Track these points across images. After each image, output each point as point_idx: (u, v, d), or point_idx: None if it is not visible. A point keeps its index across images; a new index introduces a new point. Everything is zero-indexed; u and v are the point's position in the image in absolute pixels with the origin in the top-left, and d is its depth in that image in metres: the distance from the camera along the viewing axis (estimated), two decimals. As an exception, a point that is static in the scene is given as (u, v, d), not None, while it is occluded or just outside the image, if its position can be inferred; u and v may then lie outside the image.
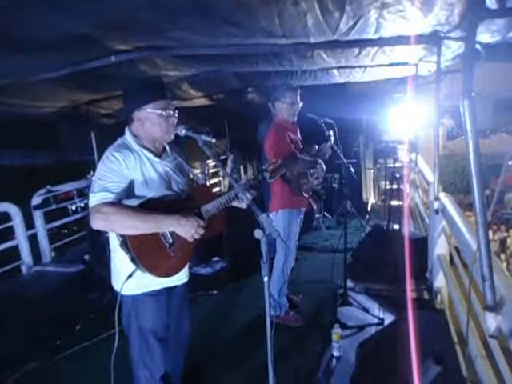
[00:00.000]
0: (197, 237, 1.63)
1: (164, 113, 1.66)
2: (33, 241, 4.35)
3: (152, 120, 1.66)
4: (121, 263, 1.64)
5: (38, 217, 4.33)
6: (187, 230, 1.59)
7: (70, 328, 3.06)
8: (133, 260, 1.54)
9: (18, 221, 4.11)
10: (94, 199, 1.52)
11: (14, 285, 3.92)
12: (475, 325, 1.90)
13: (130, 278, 1.58)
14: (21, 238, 4.14)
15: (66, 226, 4.79)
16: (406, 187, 4.43)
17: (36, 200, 4.21)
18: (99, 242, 3.49)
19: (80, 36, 2.11)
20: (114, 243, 1.64)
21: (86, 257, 3.98)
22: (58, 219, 4.62)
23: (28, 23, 1.85)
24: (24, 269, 4.13)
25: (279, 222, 2.89)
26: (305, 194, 2.93)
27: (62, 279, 3.89)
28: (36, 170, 5.21)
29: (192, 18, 1.99)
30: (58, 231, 4.81)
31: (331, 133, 2.97)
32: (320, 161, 2.92)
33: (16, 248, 4.16)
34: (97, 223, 1.50)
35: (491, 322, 1.38)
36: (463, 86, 1.28)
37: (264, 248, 1.61)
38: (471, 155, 1.31)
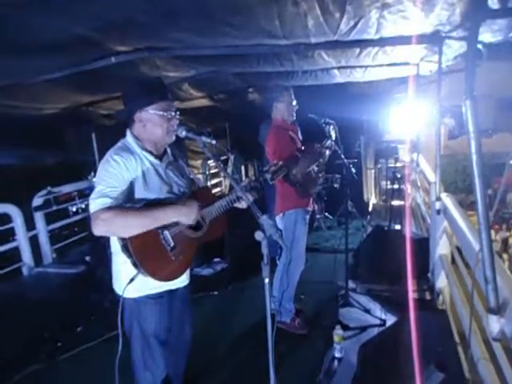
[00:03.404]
0: (193, 221, 1.66)
1: (166, 114, 1.65)
2: (34, 242, 4.35)
3: (154, 121, 1.65)
4: (122, 266, 1.63)
5: (39, 218, 4.32)
6: (189, 216, 1.62)
7: (71, 330, 3.06)
8: (134, 264, 1.53)
9: (18, 222, 4.10)
10: (93, 206, 1.51)
11: (15, 286, 3.91)
12: (478, 326, 1.89)
13: (131, 282, 1.57)
14: (22, 240, 4.13)
15: (67, 227, 4.78)
16: (408, 187, 4.41)
17: (37, 201, 4.20)
18: (100, 243, 3.48)
19: (80, 38, 2.11)
20: (116, 246, 1.63)
21: (87, 258, 3.97)
22: (59, 220, 4.61)
23: (28, 26, 1.85)
24: (25, 270, 4.12)
25: (286, 224, 2.86)
26: (310, 194, 2.92)
27: (63, 280, 3.88)
28: (36, 170, 5.20)
29: (191, 19, 1.98)
30: (58, 232, 4.80)
31: (331, 130, 2.96)
32: (323, 151, 2.91)
33: (17, 249, 4.16)
34: (98, 229, 1.49)
35: (494, 324, 1.37)
36: (465, 86, 1.27)
37: (265, 250, 1.61)
38: (474, 156, 1.30)
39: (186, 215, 1.61)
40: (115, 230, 1.52)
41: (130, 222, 1.50)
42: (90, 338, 2.89)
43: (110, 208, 1.49)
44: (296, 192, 2.80)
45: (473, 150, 1.30)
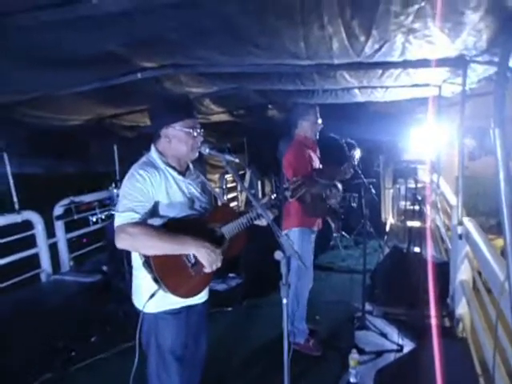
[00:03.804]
0: (214, 268, 1.63)
1: (192, 131, 1.68)
2: (52, 249, 4.42)
3: (180, 138, 1.68)
4: (142, 281, 1.64)
5: (59, 227, 4.41)
6: (210, 259, 1.58)
7: (86, 339, 3.07)
8: (155, 280, 1.54)
9: (39, 229, 4.19)
10: (120, 219, 1.53)
11: (32, 292, 3.98)
12: (501, 358, 1.82)
13: (152, 298, 1.57)
14: (41, 247, 4.21)
15: (86, 235, 4.85)
16: (428, 208, 4.34)
17: (58, 210, 4.30)
18: (118, 253, 3.52)
19: (110, 54, 2.18)
20: (137, 261, 1.65)
21: (105, 268, 4.02)
22: (79, 228, 4.69)
23: (61, 42, 1.92)
24: (43, 277, 4.19)
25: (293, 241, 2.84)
26: (318, 216, 2.89)
27: (79, 289, 3.92)
28: (58, 178, 5.34)
29: (219, 39, 2.03)
30: (77, 240, 4.88)
31: (354, 153, 2.95)
32: (338, 184, 2.88)
33: (36, 256, 4.24)
34: (121, 243, 1.51)
35: (522, 359, 1.32)
36: (494, 114, 1.26)
37: (284, 270, 1.60)
38: (502, 184, 1.28)
39: (207, 260, 1.58)
40: (139, 246, 1.54)
41: (154, 243, 1.51)
42: (103, 349, 2.89)
43: (136, 224, 1.51)
44: (303, 210, 2.78)
45: (501, 176, 1.27)
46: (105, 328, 3.18)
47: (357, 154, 2.98)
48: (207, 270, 1.61)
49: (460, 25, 1.70)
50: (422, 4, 1.47)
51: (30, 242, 4.25)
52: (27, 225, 4.18)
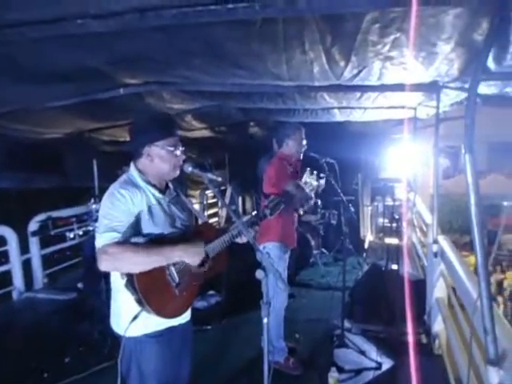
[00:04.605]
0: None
1: (174, 149, 1.67)
2: (26, 265, 4.27)
3: (162, 156, 1.66)
4: (123, 304, 1.59)
5: (33, 243, 4.27)
6: (195, 257, 1.60)
7: (59, 360, 2.95)
8: (139, 301, 1.49)
9: (13, 245, 4.04)
10: (101, 240, 1.49)
11: (3, 311, 3.82)
12: (475, 374, 1.87)
13: (134, 320, 1.53)
14: (15, 263, 4.06)
15: (61, 251, 4.71)
16: (404, 226, 4.45)
17: (33, 226, 4.17)
18: (94, 269, 3.43)
19: (92, 70, 2.19)
20: (117, 283, 1.60)
21: (80, 285, 3.90)
22: (55, 244, 4.56)
23: (45, 56, 1.93)
24: (15, 294, 4.03)
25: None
26: (300, 212, 2.91)
27: (52, 307, 3.78)
28: (34, 192, 5.21)
29: (203, 60, 2.08)
30: (51, 256, 4.73)
31: (323, 175, 2.98)
32: (308, 192, 2.89)
33: (8, 272, 4.09)
34: (104, 265, 1.48)
35: (494, 376, 1.36)
36: (465, 140, 1.32)
37: (265, 289, 1.61)
38: (473, 208, 1.34)
39: (192, 256, 1.59)
40: (122, 265, 1.50)
41: (136, 258, 1.48)
42: (77, 371, 2.78)
43: (118, 243, 1.48)
44: (281, 224, 2.77)
45: (472, 201, 1.34)
46: (78, 348, 3.07)
47: (324, 177, 3.00)
48: (196, 263, 1.62)
49: (433, 54, 1.80)
50: (398, 35, 1.55)
51: (2, 257, 4.11)
52: (0, 240, 4.05)
